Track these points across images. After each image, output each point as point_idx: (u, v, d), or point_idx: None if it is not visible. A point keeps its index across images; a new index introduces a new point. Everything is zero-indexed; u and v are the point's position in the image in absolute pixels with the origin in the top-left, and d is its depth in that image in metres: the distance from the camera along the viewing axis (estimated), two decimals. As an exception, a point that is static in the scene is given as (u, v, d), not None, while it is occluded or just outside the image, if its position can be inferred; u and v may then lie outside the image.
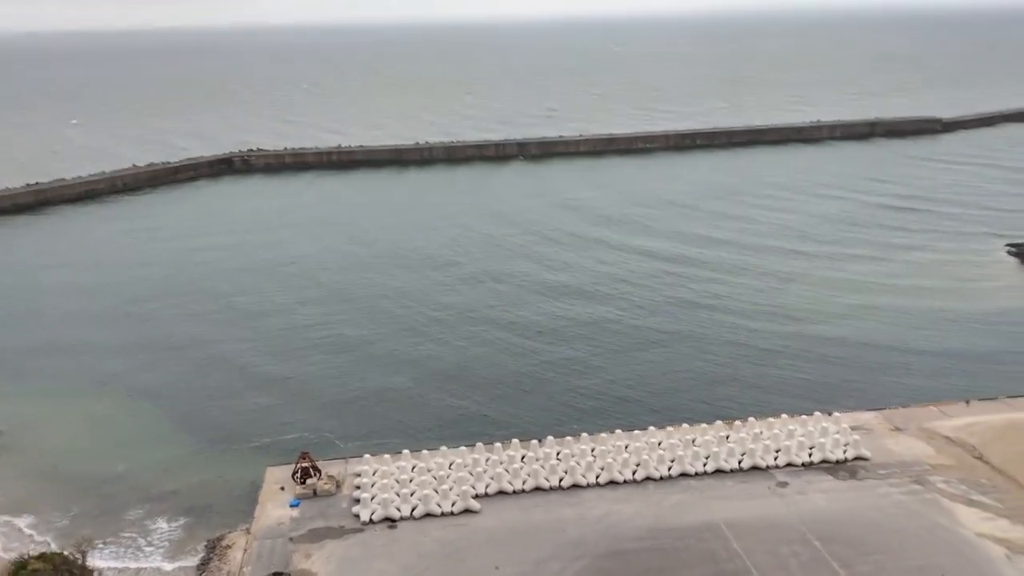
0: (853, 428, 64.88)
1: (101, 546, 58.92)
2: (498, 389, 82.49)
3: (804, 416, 67.09)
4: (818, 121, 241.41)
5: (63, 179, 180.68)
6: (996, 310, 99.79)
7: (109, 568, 54.56)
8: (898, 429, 65.80)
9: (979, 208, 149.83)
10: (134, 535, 61.30)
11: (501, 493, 58.77)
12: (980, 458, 60.77)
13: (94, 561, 52.31)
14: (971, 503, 55.35)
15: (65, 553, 47.88)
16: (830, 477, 59.42)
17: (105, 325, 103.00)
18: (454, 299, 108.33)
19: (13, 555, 53.52)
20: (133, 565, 57.53)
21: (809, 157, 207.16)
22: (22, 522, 63.24)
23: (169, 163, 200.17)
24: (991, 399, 70.75)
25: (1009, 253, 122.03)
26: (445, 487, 57.69)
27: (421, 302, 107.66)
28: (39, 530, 62.14)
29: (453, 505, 56.77)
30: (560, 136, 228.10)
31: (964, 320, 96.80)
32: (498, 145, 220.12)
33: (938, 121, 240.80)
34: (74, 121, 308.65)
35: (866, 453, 61.63)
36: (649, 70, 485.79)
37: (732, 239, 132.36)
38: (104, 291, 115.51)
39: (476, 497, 57.83)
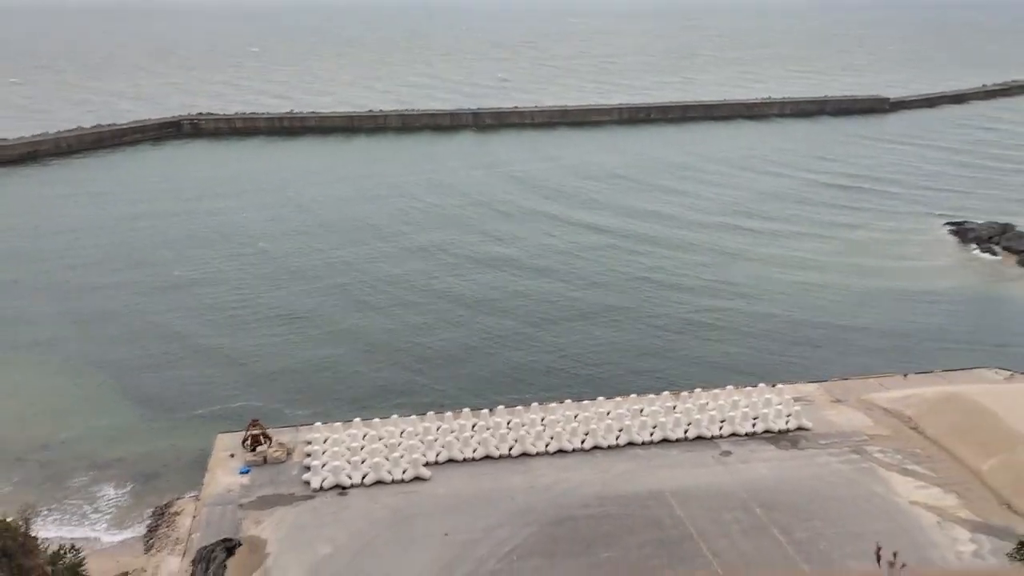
0: (795, 399, 66.66)
1: (46, 513, 58.17)
2: (447, 359, 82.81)
3: (749, 387, 68.70)
4: (769, 98, 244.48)
5: (5, 139, 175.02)
6: (934, 287, 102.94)
7: (54, 535, 53.88)
8: (838, 400, 67.83)
9: (919, 188, 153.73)
10: (79, 502, 60.58)
11: (451, 461, 59.31)
12: (915, 429, 63.01)
13: (38, 528, 51.54)
14: (906, 472, 57.45)
15: (8, 520, 47.06)
16: (772, 447, 61.11)
17: (44, 293, 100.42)
18: (401, 270, 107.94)
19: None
20: (79, 532, 56.92)
21: (759, 133, 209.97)
22: (-38, 489, 62.03)
23: (116, 125, 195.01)
24: (927, 372, 73.26)
25: (949, 232, 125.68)
26: (396, 455, 58.00)
27: (368, 273, 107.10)
28: (-20, 497, 60.99)
29: (404, 473, 57.14)
30: (515, 107, 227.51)
31: (904, 297, 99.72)
32: (452, 114, 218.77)
33: (885, 100, 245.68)
34: (13, 79, 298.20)
35: (807, 423, 63.46)
36: (604, 43, 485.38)
37: (679, 214, 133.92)
38: (43, 258, 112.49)
39: (427, 465, 58.30)
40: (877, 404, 66.93)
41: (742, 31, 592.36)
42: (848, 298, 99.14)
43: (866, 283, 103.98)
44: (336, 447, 59.18)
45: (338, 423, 63.20)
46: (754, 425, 63.32)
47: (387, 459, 57.82)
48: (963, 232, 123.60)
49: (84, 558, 48.73)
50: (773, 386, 68.97)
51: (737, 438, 62.32)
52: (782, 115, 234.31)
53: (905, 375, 72.57)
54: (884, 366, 77.97)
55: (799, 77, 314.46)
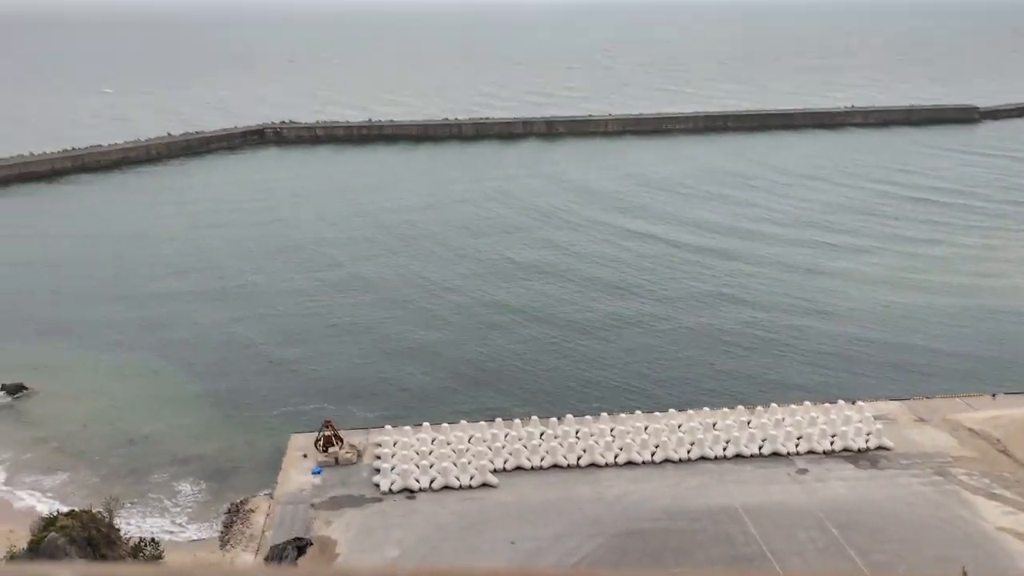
0: (876, 418, 64.54)
1: (129, 506, 60.21)
2: (513, 369, 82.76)
3: (827, 404, 66.78)
4: (852, 107, 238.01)
5: (99, 145, 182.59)
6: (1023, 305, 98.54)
7: (136, 527, 55.76)
8: (922, 420, 65.44)
9: (1009, 202, 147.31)
10: (160, 496, 62.54)
11: (519, 469, 59.19)
12: (1004, 451, 60.37)
13: (121, 520, 53.45)
14: (992, 496, 55.05)
15: (94, 511, 48.93)
16: (851, 466, 59.27)
17: (127, 298, 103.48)
18: (466, 280, 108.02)
19: (44, 511, 54.87)
20: (159, 524, 58.77)
21: (842, 144, 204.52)
22: (53, 480, 64.73)
23: (203, 133, 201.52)
24: (1018, 393, 70.12)
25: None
26: (464, 460, 58.19)
27: (435, 282, 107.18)
28: (69, 488, 63.57)
29: (471, 479, 57.28)
30: (589, 115, 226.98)
31: (990, 315, 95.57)
32: (526, 122, 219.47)
33: (975, 110, 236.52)
34: (107, 90, 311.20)
35: (888, 443, 61.36)
36: (679, 50, 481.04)
37: (756, 228, 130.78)
38: (127, 264, 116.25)
39: (494, 472, 58.32)
40: (963, 424, 64.33)
41: (825, 35, 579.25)
42: (931, 316, 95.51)
43: (950, 301, 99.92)
44: (405, 451, 59.73)
45: (407, 427, 63.81)
46: (832, 443, 61.49)
47: (455, 464, 58.06)
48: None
49: (163, 551, 50.29)
50: (853, 403, 66.89)
51: (814, 455, 60.63)
52: (865, 124, 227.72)
53: (994, 395, 69.58)
54: (970, 388, 74.85)
55: (883, 86, 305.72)
